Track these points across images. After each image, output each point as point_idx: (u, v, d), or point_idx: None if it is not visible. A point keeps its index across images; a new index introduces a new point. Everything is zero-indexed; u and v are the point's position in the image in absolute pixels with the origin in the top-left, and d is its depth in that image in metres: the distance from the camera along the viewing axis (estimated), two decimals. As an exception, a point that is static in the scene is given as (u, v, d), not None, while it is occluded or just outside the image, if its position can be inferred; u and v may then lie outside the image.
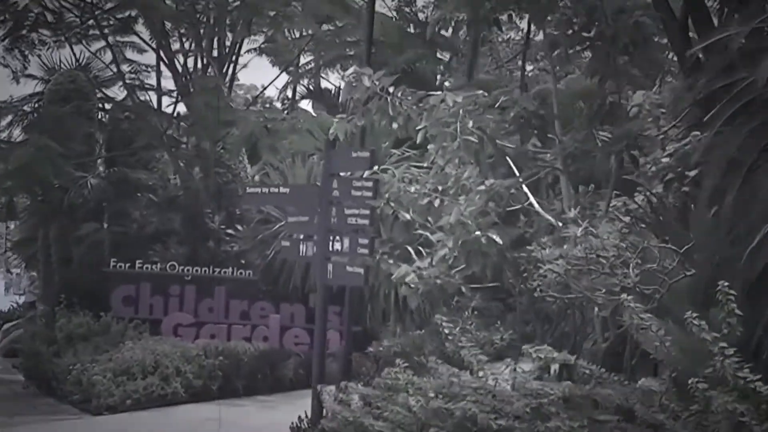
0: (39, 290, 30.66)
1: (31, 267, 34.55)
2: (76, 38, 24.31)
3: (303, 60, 30.34)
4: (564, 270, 9.38)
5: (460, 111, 10.13)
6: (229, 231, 23.57)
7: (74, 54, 25.63)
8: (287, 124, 20.20)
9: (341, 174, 12.75)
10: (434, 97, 10.32)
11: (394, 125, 10.59)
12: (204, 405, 18.38)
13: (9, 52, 24.69)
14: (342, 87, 28.56)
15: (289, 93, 31.13)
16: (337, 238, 12.45)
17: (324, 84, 31.63)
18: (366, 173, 11.62)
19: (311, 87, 27.32)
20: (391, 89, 10.67)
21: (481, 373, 9.52)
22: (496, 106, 11.31)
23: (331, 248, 12.55)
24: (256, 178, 25.87)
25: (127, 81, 25.45)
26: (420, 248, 12.91)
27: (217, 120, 21.69)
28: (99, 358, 19.01)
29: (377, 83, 10.64)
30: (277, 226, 22.41)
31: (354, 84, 10.73)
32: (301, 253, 13.40)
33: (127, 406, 17.63)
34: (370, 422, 9.26)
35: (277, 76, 29.54)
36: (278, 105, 31.20)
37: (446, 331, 10.74)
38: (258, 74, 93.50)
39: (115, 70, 26.23)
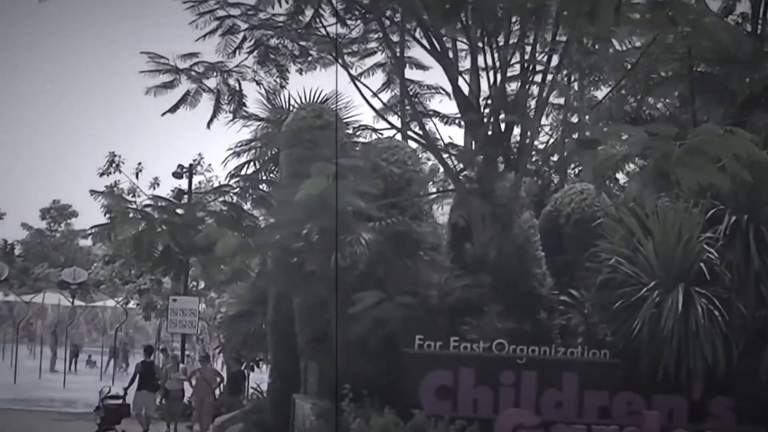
0: (272, 377, 25.25)
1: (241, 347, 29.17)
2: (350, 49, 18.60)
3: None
4: None
5: None
6: (563, 298, 17.48)
7: (345, 68, 19.83)
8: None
9: None
10: None
11: None
12: None
13: (262, 65, 19.14)
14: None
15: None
16: None
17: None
18: None
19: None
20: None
21: None
22: None
23: None
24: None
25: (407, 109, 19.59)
26: None
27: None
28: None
29: None
30: (644, 290, 16.26)
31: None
32: None
33: None
34: None
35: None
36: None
37: None
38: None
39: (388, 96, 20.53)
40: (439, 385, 16.10)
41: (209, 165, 34.44)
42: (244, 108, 20.19)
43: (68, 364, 45.58)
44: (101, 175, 34.54)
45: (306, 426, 17.30)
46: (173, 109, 19.68)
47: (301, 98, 23.08)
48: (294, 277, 18.02)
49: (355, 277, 18.31)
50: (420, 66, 20.21)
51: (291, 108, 23.02)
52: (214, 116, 19.64)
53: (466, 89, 19.38)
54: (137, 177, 34.43)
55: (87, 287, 47.18)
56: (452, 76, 19.46)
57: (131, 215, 19.09)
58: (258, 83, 19.70)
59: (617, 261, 17.05)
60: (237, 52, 19.00)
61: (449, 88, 20.03)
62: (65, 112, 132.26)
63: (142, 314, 39.52)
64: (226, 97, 19.40)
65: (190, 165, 34.67)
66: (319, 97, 23.06)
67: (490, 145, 19.09)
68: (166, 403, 28.33)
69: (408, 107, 19.80)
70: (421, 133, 19.26)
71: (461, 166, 19.89)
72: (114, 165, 34.41)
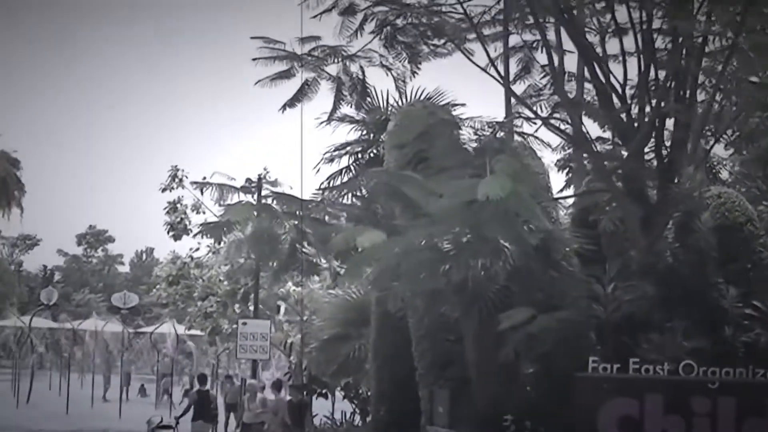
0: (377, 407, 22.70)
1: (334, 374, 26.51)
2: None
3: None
4: None
5: None
6: (748, 311, 15.16)
7: (486, 51, 17.43)
8: None
9: None
10: None
11: None
12: None
13: (390, 48, 16.74)
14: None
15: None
16: None
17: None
18: None
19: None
20: None
21: None
22: None
23: None
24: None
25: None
26: None
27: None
28: None
29: None
30: None
31: None
32: None
33: None
34: None
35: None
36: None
37: None
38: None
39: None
40: (622, 414, 13.76)
41: (275, 179, 32.00)
42: (369, 98, 17.80)
43: (121, 393, 43.38)
44: (163, 191, 32.34)
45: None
46: (291, 103, 17.35)
47: (398, 99, 20.77)
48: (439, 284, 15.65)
49: (494, 291, 16.10)
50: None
51: (390, 109, 20.74)
52: (335, 109, 17.29)
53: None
54: (201, 192, 32.11)
55: (138, 312, 45.13)
56: (590, 61, 17.23)
57: (241, 206, 16.54)
58: (388, 69, 17.26)
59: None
60: (358, 33, 16.72)
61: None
62: (100, 134, 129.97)
63: (207, 339, 37.24)
64: (347, 87, 17.03)
65: (259, 178, 32.35)
66: (421, 95, 20.81)
67: (641, 140, 16.86)
68: None
69: (555, 94, 17.45)
70: (569, 121, 16.92)
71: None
72: (177, 180, 32.16)
